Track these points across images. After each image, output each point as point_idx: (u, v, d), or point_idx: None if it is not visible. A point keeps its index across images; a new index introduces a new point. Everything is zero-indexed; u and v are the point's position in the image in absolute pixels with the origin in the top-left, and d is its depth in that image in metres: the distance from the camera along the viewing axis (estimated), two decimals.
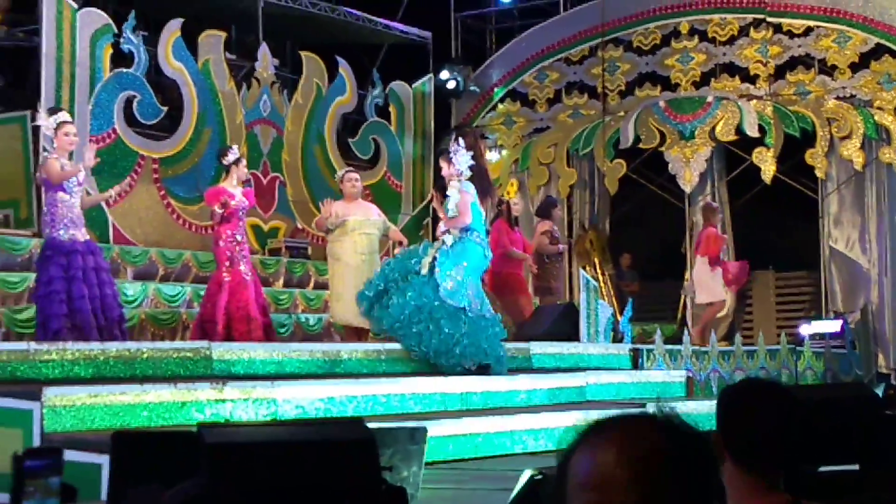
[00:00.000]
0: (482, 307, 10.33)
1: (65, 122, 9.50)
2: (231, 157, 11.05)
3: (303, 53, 16.09)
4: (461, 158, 10.25)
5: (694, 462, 1.70)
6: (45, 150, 9.55)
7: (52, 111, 9.80)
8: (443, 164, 10.50)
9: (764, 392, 2.97)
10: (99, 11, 13.55)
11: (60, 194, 9.31)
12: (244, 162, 11.14)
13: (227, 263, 10.64)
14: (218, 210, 10.59)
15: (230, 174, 10.94)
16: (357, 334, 11.61)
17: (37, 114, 9.79)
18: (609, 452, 1.67)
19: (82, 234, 9.45)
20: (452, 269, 10.12)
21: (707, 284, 14.25)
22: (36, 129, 12.58)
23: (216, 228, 10.81)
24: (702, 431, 1.74)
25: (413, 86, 17.48)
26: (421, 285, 10.07)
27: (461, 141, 10.32)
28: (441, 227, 10.42)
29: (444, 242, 10.23)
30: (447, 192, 10.34)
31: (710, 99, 16.94)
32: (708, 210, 14.80)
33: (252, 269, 11.03)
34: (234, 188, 10.87)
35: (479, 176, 10.49)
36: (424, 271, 10.09)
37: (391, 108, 17.16)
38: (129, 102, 13.47)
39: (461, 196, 10.16)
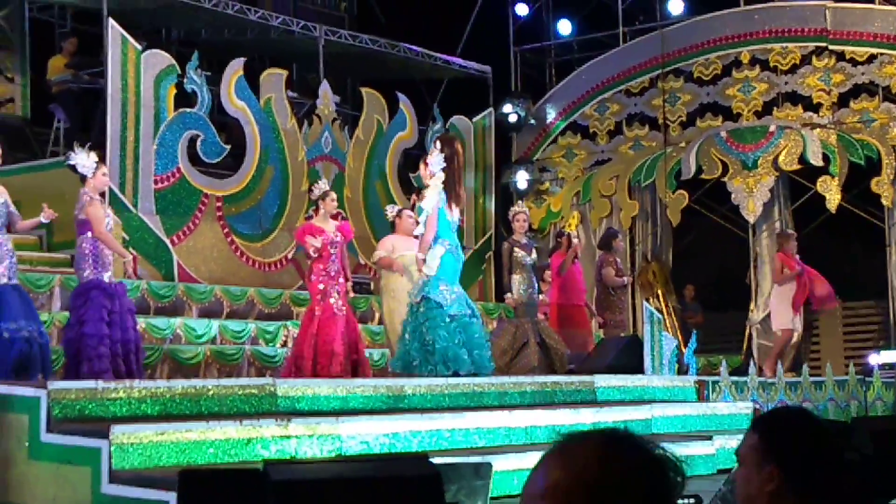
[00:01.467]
0: (469, 308, 10.52)
1: (101, 164, 9.67)
2: (317, 192, 11.14)
3: (363, 90, 16.20)
4: (434, 160, 10.46)
5: (638, 480, 1.81)
6: (86, 193, 9.60)
7: (88, 151, 9.90)
8: (421, 167, 10.77)
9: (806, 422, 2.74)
10: (163, 53, 13.73)
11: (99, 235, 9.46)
12: (333, 195, 11.17)
13: (319, 297, 10.71)
14: (315, 244, 10.68)
15: (319, 209, 11.07)
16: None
17: (71, 153, 9.83)
18: (556, 464, 1.81)
19: (113, 276, 9.59)
20: (438, 288, 10.27)
21: (778, 312, 14.11)
22: None
23: (310, 264, 10.91)
24: (657, 455, 1.88)
25: (473, 120, 17.52)
26: (413, 313, 10.33)
27: (438, 144, 10.60)
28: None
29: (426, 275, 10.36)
30: (423, 197, 10.51)
31: (772, 128, 16.82)
32: (779, 237, 14.74)
33: (346, 305, 11.07)
34: (323, 223, 10.93)
35: (453, 182, 10.57)
36: (417, 300, 10.30)
37: None
38: (192, 142, 13.62)
39: (431, 209, 10.30)
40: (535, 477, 1.83)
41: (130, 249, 11.16)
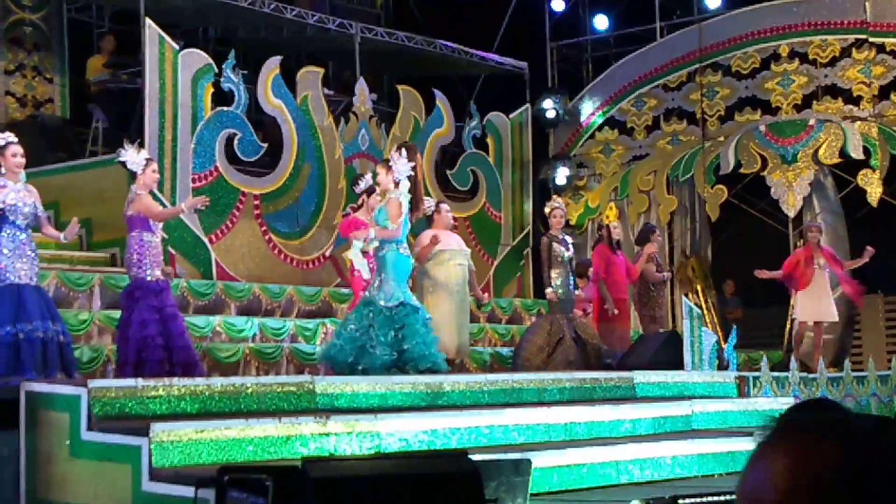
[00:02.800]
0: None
1: (152, 161, 9.64)
2: (362, 186, 11.04)
3: (400, 87, 16.19)
4: (401, 168, 10.15)
5: (873, 483, 1.46)
6: (135, 190, 9.62)
7: (138, 148, 9.91)
8: (380, 171, 10.34)
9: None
10: (200, 52, 13.77)
11: (146, 234, 9.40)
12: (378, 190, 11.05)
13: (362, 293, 10.65)
14: (360, 241, 10.59)
15: (363, 204, 11.02)
16: (450, 365, 11.61)
17: (122, 150, 9.88)
18: (777, 465, 1.48)
19: (162, 274, 9.57)
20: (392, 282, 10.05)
21: (799, 303, 14.15)
22: None
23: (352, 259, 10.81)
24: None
25: (510, 116, 17.48)
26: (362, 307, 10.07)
27: (403, 152, 10.23)
28: (371, 232, 10.23)
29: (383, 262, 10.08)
30: (382, 199, 10.23)
31: (812, 122, 16.69)
32: (806, 230, 14.73)
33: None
34: (367, 217, 10.85)
35: (418, 194, 10.44)
36: (376, 293, 10.00)
37: (489, 139, 17.17)
38: (230, 140, 13.65)
39: (398, 210, 10.08)
40: (749, 477, 1.51)
41: (169, 248, 11.15)
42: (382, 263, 10.02)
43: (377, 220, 10.14)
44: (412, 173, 10.20)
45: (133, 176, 9.64)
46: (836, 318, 14.59)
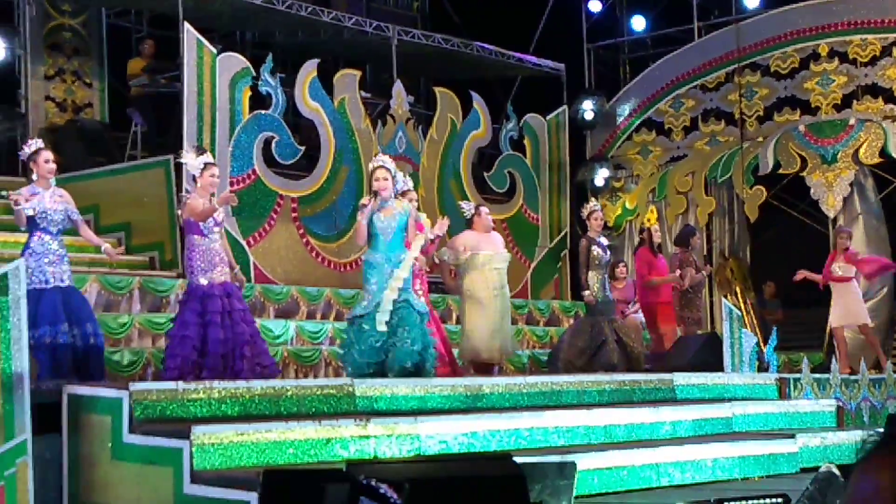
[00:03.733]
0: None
1: (211, 164, 9.54)
2: (399, 188, 10.95)
3: (437, 89, 16.19)
4: (401, 178, 10.22)
5: None
6: (187, 190, 9.66)
7: (199, 151, 9.88)
8: (387, 180, 9.86)
9: None
10: (237, 56, 13.81)
11: (196, 238, 9.29)
12: (413, 195, 10.96)
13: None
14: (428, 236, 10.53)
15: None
16: (485, 370, 11.58)
17: (182, 152, 9.91)
18: (885, 478, 1.49)
19: (222, 276, 9.34)
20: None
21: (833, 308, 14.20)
22: (179, 173, 12.90)
23: None
24: None
25: (547, 118, 17.45)
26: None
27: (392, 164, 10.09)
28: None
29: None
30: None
31: (852, 121, 16.57)
32: (836, 232, 14.67)
33: (429, 303, 11.02)
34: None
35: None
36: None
37: (526, 141, 17.14)
38: (267, 143, 13.69)
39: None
40: (855, 485, 1.52)
41: None
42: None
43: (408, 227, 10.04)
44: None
45: (193, 179, 9.63)
46: (869, 321, 14.48)
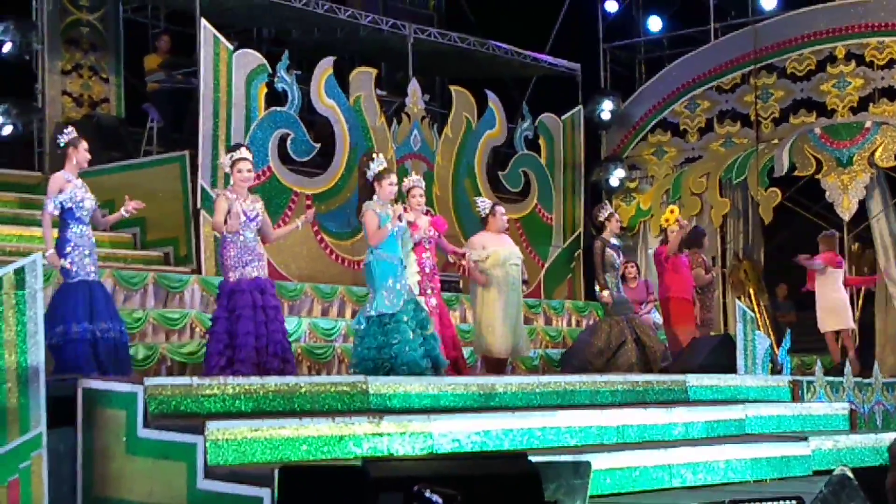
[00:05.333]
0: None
1: (240, 159, 9.37)
2: (407, 184, 10.95)
3: (452, 88, 16.19)
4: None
5: None
6: (224, 187, 9.60)
7: (232, 148, 9.77)
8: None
9: None
10: (254, 52, 13.83)
11: (228, 235, 9.23)
12: (419, 192, 10.97)
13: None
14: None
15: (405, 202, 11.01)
16: (497, 368, 11.60)
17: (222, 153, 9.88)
18: None
19: (253, 272, 9.26)
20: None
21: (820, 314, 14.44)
22: (195, 169, 12.93)
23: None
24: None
25: (562, 118, 17.44)
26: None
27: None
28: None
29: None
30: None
31: (868, 124, 16.52)
32: (822, 239, 14.72)
33: (441, 302, 11.02)
34: (418, 217, 10.79)
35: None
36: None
37: (541, 141, 17.14)
38: (283, 140, 13.71)
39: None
40: None
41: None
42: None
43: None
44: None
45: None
46: (852, 325, 14.66)
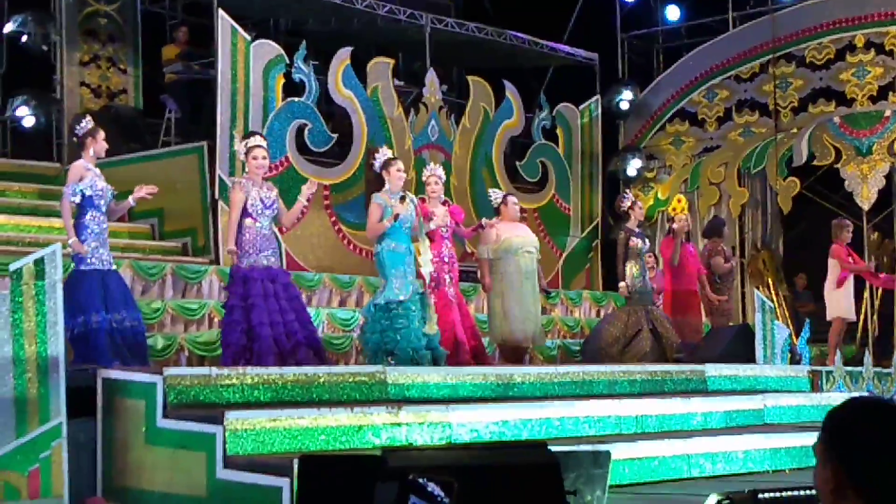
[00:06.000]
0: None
1: (254, 147, 9.42)
2: (425, 174, 11.00)
3: (470, 78, 16.16)
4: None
5: None
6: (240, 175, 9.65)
7: (247, 136, 9.82)
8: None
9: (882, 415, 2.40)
10: (271, 43, 13.83)
11: (247, 220, 9.24)
12: (437, 181, 11.02)
13: (434, 285, 10.61)
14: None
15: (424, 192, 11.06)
16: (514, 353, 11.60)
17: (234, 140, 9.94)
18: None
19: (266, 261, 9.28)
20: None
21: (829, 300, 14.27)
22: (213, 160, 12.94)
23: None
24: None
25: (580, 108, 17.40)
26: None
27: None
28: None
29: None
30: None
31: (888, 113, 16.45)
32: (835, 227, 14.57)
33: (458, 292, 11.04)
34: (435, 206, 10.83)
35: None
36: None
37: (558, 131, 17.10)
38: (300, 131, 13.70)
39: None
40: None
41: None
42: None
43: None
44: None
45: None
46: (853, 318, 14.64)
